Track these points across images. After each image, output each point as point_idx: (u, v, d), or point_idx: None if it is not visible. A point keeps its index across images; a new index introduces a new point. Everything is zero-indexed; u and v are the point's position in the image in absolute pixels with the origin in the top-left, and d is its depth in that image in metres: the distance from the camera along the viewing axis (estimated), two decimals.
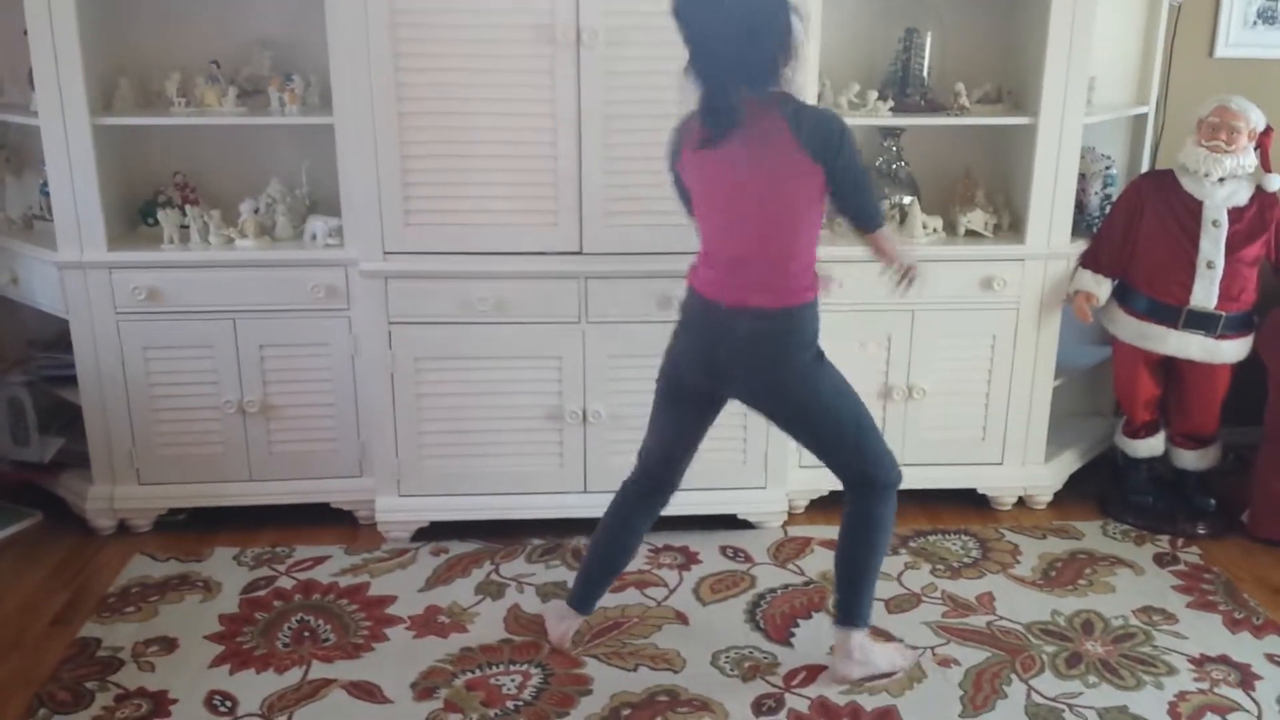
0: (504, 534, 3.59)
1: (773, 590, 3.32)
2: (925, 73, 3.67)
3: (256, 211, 3.50)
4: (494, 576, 3.39)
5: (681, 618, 3.18)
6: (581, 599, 3.03)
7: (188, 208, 3.51)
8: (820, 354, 2.73)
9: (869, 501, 2.79)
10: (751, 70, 2.50)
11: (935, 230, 3.65)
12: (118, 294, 3.41)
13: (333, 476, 3.63)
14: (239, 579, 3.35)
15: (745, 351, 2.65)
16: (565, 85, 3.20)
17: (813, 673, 2.93)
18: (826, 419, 2.74)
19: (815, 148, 2.52)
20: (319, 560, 3.46)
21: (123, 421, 3.52)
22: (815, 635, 3.09)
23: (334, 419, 3.58)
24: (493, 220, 3.32)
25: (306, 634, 3.09)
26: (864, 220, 2.70)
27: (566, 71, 3.19)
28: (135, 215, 3.65)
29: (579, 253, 3.35)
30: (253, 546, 3.53)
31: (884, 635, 3.08)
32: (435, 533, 3.58)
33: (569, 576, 3.31)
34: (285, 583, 3.34)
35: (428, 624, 3.14)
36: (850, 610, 2.85)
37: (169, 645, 3.03)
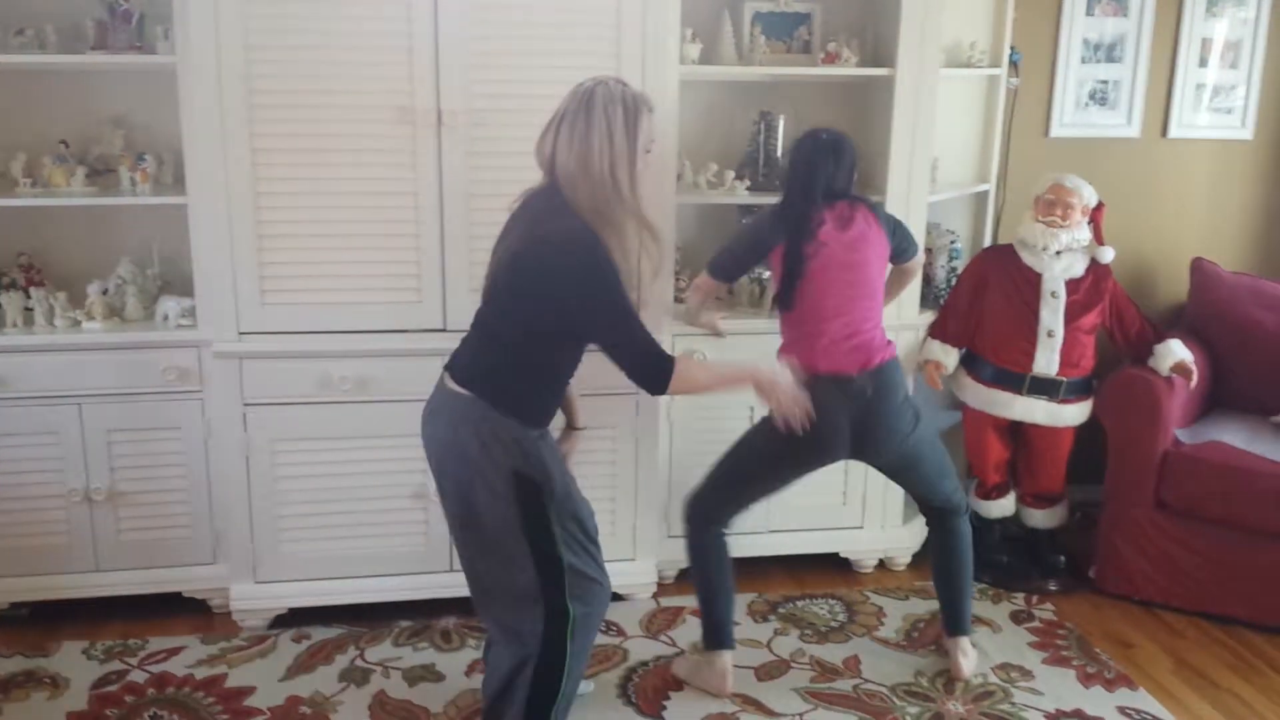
0: (369, 618, 3.51)
1: (644, 663, 3.32)
2: (780, 153, 3.78)
3: (105, 293, 3.40)
4: (359, 662, 3.30)
5: None
6: (727, 636, 3.21)
7: (32, 290, 3.39)
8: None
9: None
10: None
11: None
12: None
13: (185, 564, 3.50)
14: (88, 674, 3.20)
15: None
16: (426, 165, 3.21)
17: None
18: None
19: None
20: (173, 651, 3.33)
21: None
22: (686, 707, 3.09)
23: (186, 505, 3.46)
24: (354, 298, 3.29)
25: None
26: None
27: (427, 151, 3.20)
28: None
29: (442, 330, 3.33)
30: (102, 639, 3.38)
31: (754, 704, 3.10)
32: (296, 619, 3.48)
33: (438, 659, 3.26)
34: (138, 676, 3.19)
35: (289, 715, 3.04)
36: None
37: None
